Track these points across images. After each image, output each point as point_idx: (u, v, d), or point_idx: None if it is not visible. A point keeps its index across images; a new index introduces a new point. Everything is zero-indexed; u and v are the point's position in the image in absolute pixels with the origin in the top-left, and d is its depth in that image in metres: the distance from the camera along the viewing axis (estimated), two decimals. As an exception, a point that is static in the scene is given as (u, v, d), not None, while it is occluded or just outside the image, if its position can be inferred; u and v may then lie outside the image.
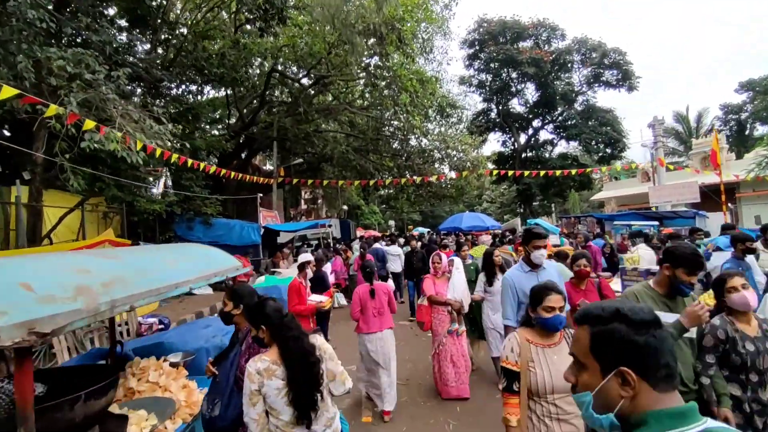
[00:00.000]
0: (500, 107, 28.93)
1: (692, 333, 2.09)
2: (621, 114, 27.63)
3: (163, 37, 11.72)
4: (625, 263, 4.30)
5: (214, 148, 13.40)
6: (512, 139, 29.67)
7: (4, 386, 1.77)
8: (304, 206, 26.84)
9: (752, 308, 2.18)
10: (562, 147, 30.18)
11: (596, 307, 0.91)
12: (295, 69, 15.61)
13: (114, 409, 2.00)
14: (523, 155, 29.02)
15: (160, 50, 11.83)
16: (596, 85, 26.86)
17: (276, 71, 14.35)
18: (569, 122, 27.18)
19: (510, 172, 21.57)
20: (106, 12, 9.86)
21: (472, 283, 4.94)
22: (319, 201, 27.54)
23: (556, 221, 22.08)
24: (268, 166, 20.24)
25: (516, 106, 29.60)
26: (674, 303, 2.14)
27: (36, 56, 6.05)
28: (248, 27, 13.23)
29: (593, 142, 26.25)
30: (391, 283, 9.20)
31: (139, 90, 10.85)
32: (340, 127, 17.81)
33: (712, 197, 12.94)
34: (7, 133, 9.35)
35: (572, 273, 4.19)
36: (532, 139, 29.67)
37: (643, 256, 5.66)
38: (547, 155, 29.27)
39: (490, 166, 26.89)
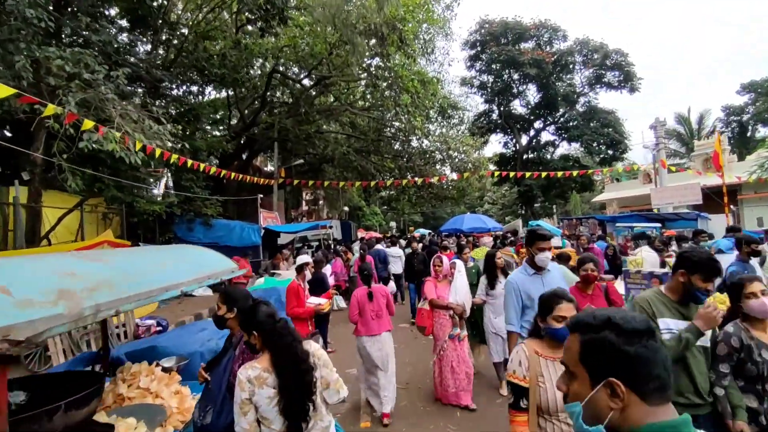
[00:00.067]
0: (502, 108, 28.89)
1: (706, 340, 2.00)
2: (622, 115, 27.62)
3: (164, 37, 11.71)
4: (629, 266, 4.23)
5: (214, 149, 13.37)
6: (514, 141, 29.62)
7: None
8: (305, 207, 26.80)
9: None
10: (563, 148, 30.21)
11: (588, 315, 0.89)
12: (296, 70, 15.57)
13: (102, 416, 1.93)
14: (525, 156, 28.96)
15: (161, 51, 11.82)
16: (598, 86, 26.81)
17: (277, 72, 14.31)
18: (571, 123, 27.14)
19: (511, 174, 21.54)
20: (106, 12, 9.86)
21: (473, 287, 4.85)
22: (321, 202, 27.50)
23: (558, 223, 21.95)
24: (269, 167, 20.24)
25: (517, 107, 29.61)
26: (688, 310, 2.03)
27: (34, 56, 6.01)
28: (249, 27, 13.20)
29: (595, 144, 26.20)
30: (392, 284, 9.15)
31: (140, 90, 10.82)
32: (342, 128, 17.77)
33: (714, 199, 12.84)
34: (7, 134, 9.33)
35: (575, 276, 4.13)
36: (534, 140, 29.61)
37: (646, 259, 5.58)
38: (548, 157, 29.22)
39: (492, 167, 26.78)
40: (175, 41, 11.92)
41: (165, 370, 2.62)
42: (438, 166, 18.13)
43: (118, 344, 5.29)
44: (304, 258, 5.16)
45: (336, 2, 10.28)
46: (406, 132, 15.81)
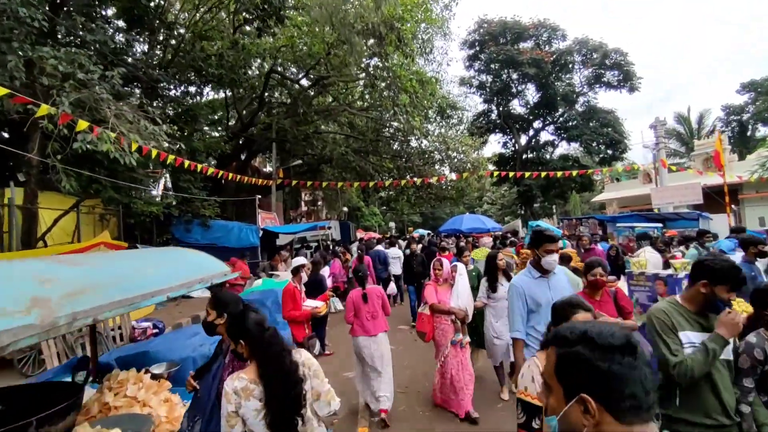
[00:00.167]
0: (501, 108, 28.80)
1: (729, 353, 1.86)
2: (622, 115, 27.55)
3: (161, 37, 11.62)
4: (632, 267, 4.15)
5: (212, 149, 13.30)
6: (513, 141, 29.54)
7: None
8: (304, 208, 26.71)
9: None
10: (563, 148, 30.10)
11: (566, 328, 0.87)
12: (294, 70, 15.50)
13: (85, 428, 1.85)
14: (524, 156, 28.88)
15: (158, 51, 11.74)
16: (597, 85, 26.71)
17: (275, 72, 14.24)
18: (570, 123, 27.05)
19: (511, 174, 21.46)
20: (103, 12, 9.77)
21: (474, 290, 4.74)
22: (319, 203, 27.41)
23: (558, 223, 21.89)
24: (268, 168, 20.13)
25: (516, 107, 29.51)
26: (707, 321, 1.90)
27: (28, 55, 5.94)
28: (247, 28, 13.13)
29: (594, 144, 26.10)
30: (392, 285, 9.07)
31: (137, 91, 10.75)
32: (340, 129, 17.69)
33: (715, 198, 12.78)
34: (2, 134, 9.26)
35: (576, 277, 4.05)
36: (533, 140, 29.53)
37: (649, 260, 5.49)
38: (547, 156, 29.12)
39: (491, 167, 26.72)
40: (173, 41, 11.83)
41: (155, 376, 2.54)
42: (437, 167, 18.05)
43: (113, 347, 5.20)
44: (300, 260, 5.08)
45: (334, 2, 10.20)
46: (405, 132, 15.73)
